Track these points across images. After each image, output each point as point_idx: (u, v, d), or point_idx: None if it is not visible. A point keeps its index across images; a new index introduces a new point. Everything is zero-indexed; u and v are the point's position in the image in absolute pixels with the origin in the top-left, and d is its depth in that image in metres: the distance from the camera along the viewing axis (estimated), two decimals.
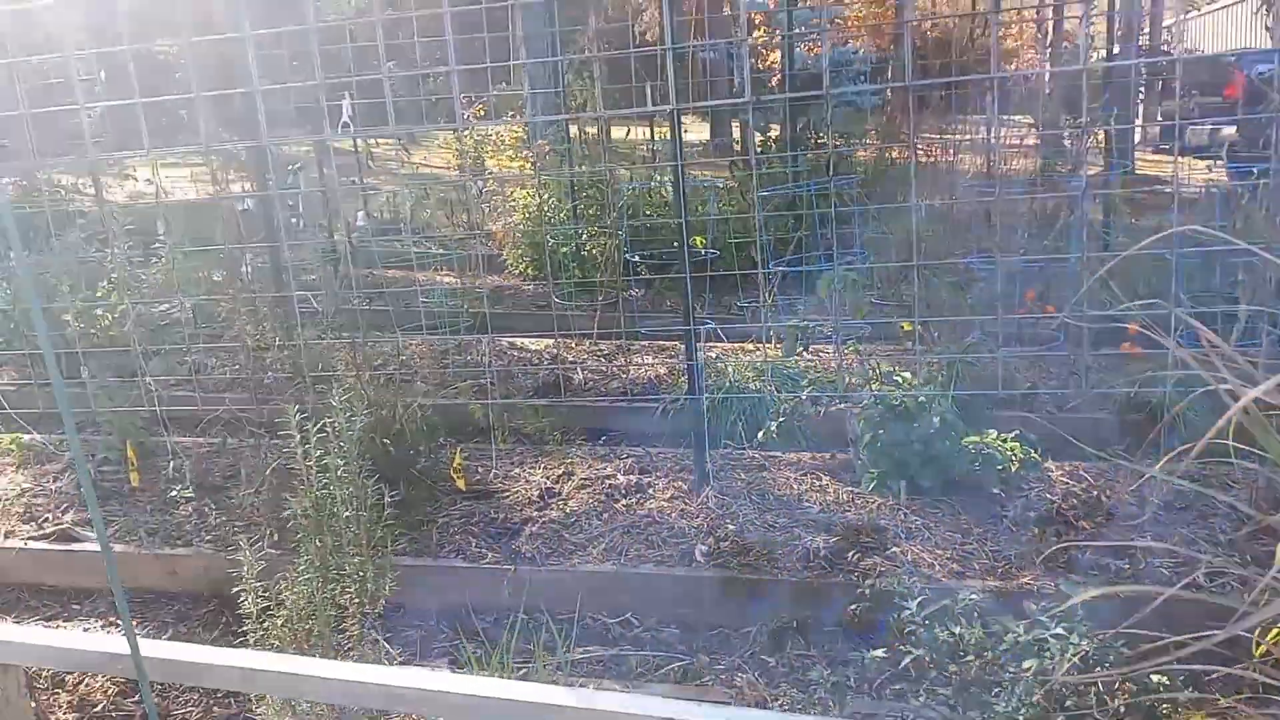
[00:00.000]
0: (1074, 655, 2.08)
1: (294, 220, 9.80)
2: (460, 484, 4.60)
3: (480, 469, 4.98)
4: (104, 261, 6.18)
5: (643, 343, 7.21)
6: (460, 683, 1.92)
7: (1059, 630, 2.19)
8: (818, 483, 4.60)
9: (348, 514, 2.52)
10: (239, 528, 4.63)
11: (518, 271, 9.12)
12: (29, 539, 4.61)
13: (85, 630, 4.15)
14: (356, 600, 2.50)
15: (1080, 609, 2.17)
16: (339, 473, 2.48)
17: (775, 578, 3.84)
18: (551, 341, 7.21)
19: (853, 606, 2.93)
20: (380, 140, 16.01)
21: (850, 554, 3.94)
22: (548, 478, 4.86)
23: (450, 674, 1.86)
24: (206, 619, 4.25)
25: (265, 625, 2.42)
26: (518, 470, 4.99)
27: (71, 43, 4.37)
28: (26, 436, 5.65)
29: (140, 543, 4.53)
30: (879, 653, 2.60)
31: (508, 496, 4.69)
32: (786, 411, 4.74)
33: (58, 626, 4.20)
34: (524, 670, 3.33)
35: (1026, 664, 2.17)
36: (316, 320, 6.15)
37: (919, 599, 2.47)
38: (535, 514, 4.50)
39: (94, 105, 5.59)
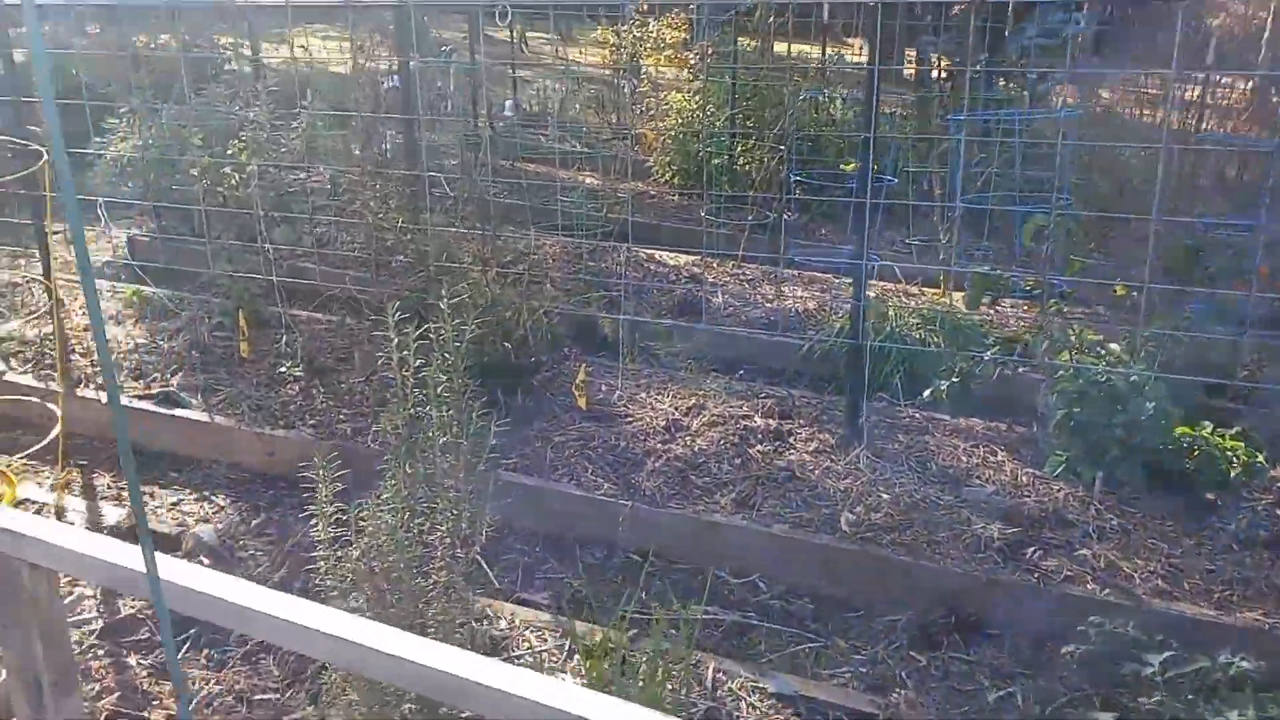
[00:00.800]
0: None
1: (442, 103, 9.42)
2: (581, 402, 4.15)
3: (604, 388, 4.51)
4: (244, 121, 5.90)
5: (791, 271, 6.56)
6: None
7: None
8: (991, 457, 3.95)
9: (444, 439, 2.06)
10: (344, 417, 4.31)
11: (663, 179, 8.51)
12: (135, 397, 4.41)
13: (176, 502, 3.91)
14: (447, 539, 2.06)
15: None
16: (438, 390, 2.01)
17: (935, 564, 3.26)
18: (692, 258, 6.64)
19: (1070, 648, 2.33)
20: (534, 32, 15.49)
21: (1030, 550, 3.31)
22: (676, 408, 4.35)
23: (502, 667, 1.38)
24: (302, 507, 3.95)
25: (339, 554, 2.02)
26: (644, 395, 4.50)
27: None
28: (148, 290, 5.47)
29: (242, 417, 4.26)
30: (1107, 717, 1.99)
31: (631, 423, 4.21)
32: (962, 370, 4.08)
33: (153, 493, 3.98)
34: (635, 631, 2.87)
35: None
36: (447, 206, 5.74)
37: (1165, 655, 1.84)
38: (659, 446, 4.01)
39: None
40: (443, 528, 2.07)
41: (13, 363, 4.70)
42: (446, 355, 2.02)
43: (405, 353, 2.01)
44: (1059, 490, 3.72)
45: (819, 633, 3.18)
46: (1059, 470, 3.78)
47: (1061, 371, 3.87)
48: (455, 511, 2.04)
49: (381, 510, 2.01)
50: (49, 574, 1.84)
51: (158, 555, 1.70)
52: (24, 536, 1.80)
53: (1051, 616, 3.12)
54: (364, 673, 1.61)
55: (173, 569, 1.59)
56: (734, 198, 7.16)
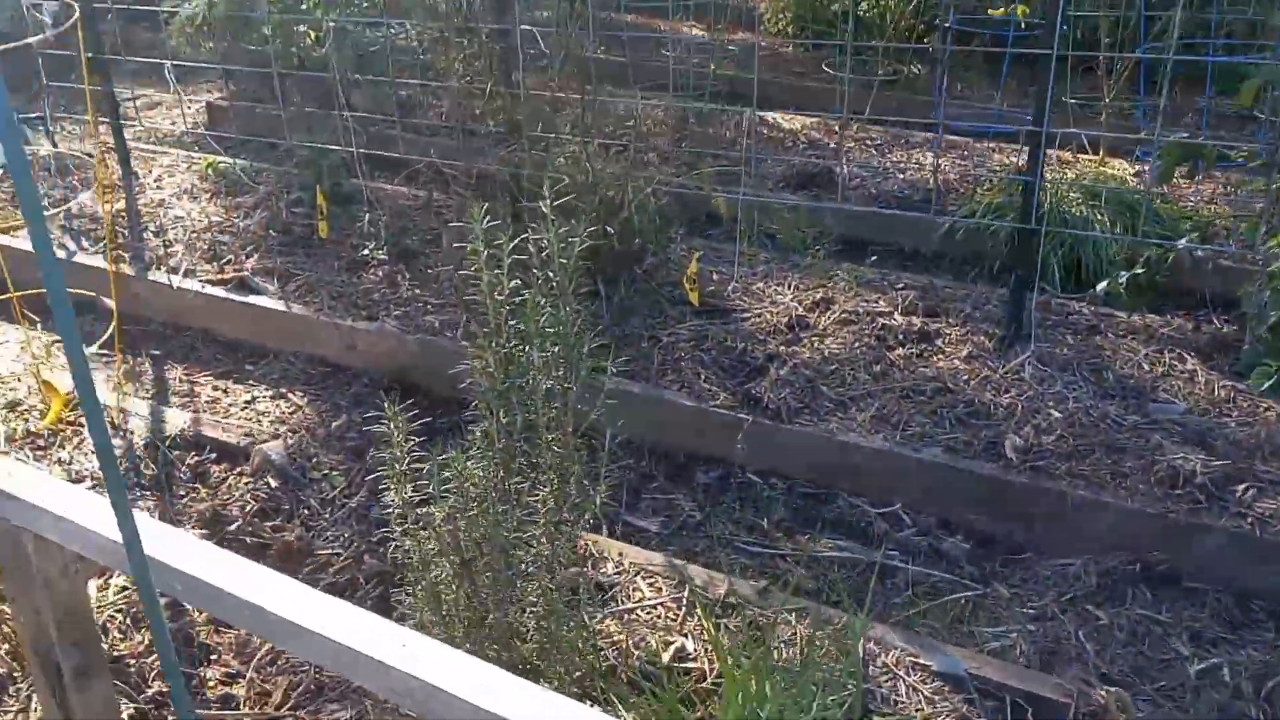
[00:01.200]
0: None
1: None
2: (693, 297, 3.64)
3: (715, 276, 3.98)
4: None
5: (922, 135, 5.80)
6: None
7: None
8: (1180, 365, 3.32)
9: (548, 385, 1.60)
10: (431, 307, 3.91)
11: (775, 29, 7.67)
12: (207, 281, 4.08)
13: (250, 400, 3.60)
14: (551, 505, 1.63)
15: None
16: (540, 324, 1.54)
17: (1120, 502, 2.72)
18: (810, 121, 5.92)
19: None
20: None
21: (1241, 487, 2.74)
22: (800, 302, 3.81)
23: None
24: (385, 409, 3.61)
25: (419, 514, 1.62)
26: (761, 285, 3.96)
27: None
28: (223, 162, 5.10)
29: (321, 307, 3.90)
30: None
31: (748, 319, 3.70)
32: (1148, 259, 3.41)
33: (226, 389, 3.68)
34: (765, 580, 2.45)
35: None
36: (541, 65, 5.14)
37: None
38: (782, 349, 3.50)
39: None
40: (544, 489, 1.64)
41: (84, 242, 4.42)
42: (550, 274, 1.54)
43: (497, 271, 1.54)
44: (1269, 410, 3.09)
45: (975, 578, 2.71)
46: (1268, 384, 3.14)
47: (1277, 264, 3.18)
48: (560, 470, 1.60)
49: (469, 465, 1.59)
50: (54, 547, 1.47)
51: (156, 524, 1.31)
52: (19, 501, 1.44)
53: (1269, 571, 2.58)
54: (411, 709, 1.21)
55: (166, 546, 1.20)
56: (858, 47, 6.33)
